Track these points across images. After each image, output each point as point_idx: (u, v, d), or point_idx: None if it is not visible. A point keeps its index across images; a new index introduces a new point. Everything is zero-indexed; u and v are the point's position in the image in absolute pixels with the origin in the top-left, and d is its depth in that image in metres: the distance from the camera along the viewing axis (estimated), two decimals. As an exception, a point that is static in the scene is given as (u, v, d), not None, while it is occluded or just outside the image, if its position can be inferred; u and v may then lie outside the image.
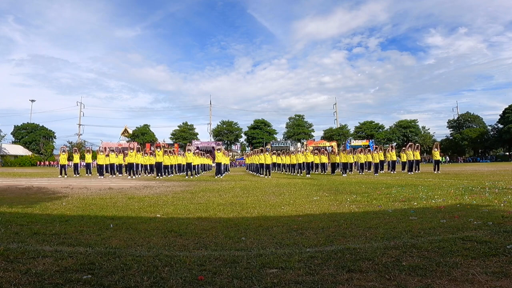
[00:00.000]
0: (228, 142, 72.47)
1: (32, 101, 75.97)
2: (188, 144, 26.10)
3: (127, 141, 68.15)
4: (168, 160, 18.15)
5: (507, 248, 2.78)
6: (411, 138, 68.58)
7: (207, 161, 25.88)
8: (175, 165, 20.22)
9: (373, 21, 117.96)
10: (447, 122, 72.30)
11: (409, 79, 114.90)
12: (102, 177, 17.21)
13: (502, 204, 5.26)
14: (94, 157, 23.39)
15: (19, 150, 62.24)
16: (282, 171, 24.16)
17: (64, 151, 19.52)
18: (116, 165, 19.43)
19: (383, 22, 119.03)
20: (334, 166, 21.58)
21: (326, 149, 29.79)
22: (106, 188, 9.77)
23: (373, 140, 65.52)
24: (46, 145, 63.87)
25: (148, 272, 2.38)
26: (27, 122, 70.27)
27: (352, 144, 63.32)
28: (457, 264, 2.45)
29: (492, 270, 2.31)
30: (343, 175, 17.48)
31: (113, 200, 6.76)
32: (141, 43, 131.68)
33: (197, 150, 22.33)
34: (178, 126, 73.25)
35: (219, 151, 18.47)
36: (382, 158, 19.99)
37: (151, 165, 20.03)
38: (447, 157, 56.68)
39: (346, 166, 18.72)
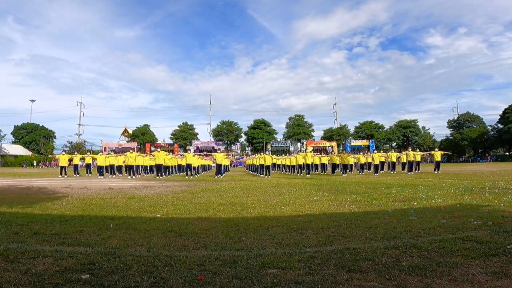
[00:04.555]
0: (228, 142, 72.44)
1: (32, 101, 76.06)
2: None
3: (127, 141, 68.14)
4: (168, 161, 18.16)
5: (507, 248, 2.78)
6: (411, 138, 68.58)
7: (207, 161, 25.88)
8: (175, 165, 20.22)
9: (373, 21, 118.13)
10: (447, 122, 72.37)
11: (409, 79, 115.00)
12: (102, 177, 17.20)
13: (502, 204, 5.26)
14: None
15: (19, 150, 62.24)
16: (282, 171, 24.16)
17: (64, 151, 19.52)
18: (116, 165, 19.42)
19: (383, 22, 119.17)
20: (334, 166, 21.59)
21: (326, 150, 29.82)
22: (106, 188, 9.77)
23: (373, 140, 65.43)
24: (46, 145, 63.88)
25: (148, 272, 2.38)
26: (27, 122, 70.33)
27: (352, 144, 63.29)
28: (457, 264, 2.45)
29: (492, 270, 2.31)
30: (343, 175, 17.48)
31: (113, 200, 6.76)
32: (141, 43, 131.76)
33: (200, 154, 22.35)
34: (178, 126, 73.33)
35: (218, 151, 18.54)
36: (383, 159, 19.99)
37: (151, 166, 20.02)
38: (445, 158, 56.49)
39: (346, 166, 18.71)
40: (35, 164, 51.75)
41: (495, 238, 3.16)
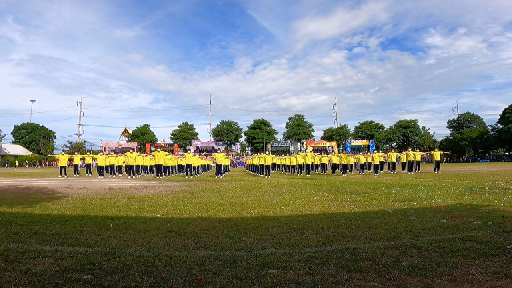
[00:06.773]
0: (228, 142, 72.41)
1: (32, 101, 76.05)
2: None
3: (127, 141, 68.13)
4: (168, 161, 18.15)
5: (507, 248, 2.78)
6: (411, 138, 68.53)
7: (207, 161, 25.87)
8: (175, 165, 20.21)
9: (373, 21, 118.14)
10: (447, 122, 72.36)
11: (409, 79, 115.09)
12: (102, 177, 17.20)
13: (502, 204, 5.26)
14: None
15: (19, 150, 62.22)
16: (282, 171, 24.17)
17: (64, 151, 19.50)
18: (116, 165, 19.42)
19: (383, 22, 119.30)
20: (334, 166, 21.59)
21: (326, 150, 29.85)
22: (106, 188, 9.77)
23: (373, 140, 65.38)
24: (46, 145, 63.86)
25: (148, 272, 2.38)
26: (27, 122, 70.31)
27: (352, 144, 63.27)
28: (457, 264, 2.45)
29: (492, 270, 2.31)
30: (343, 175, 17.48)
31: (113, 200, 6.76)
32: (141, 43, 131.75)
33: (200, 154, 22.35)
34: (178, 126, 73.24)
35: (218, 151, 18.54)
36: (382, 160, 19.98)
37: (151, 166, 20.02)
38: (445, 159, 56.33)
39: (346, 166, 18.72)
40: (17, 164, 51.22)
41: (495, 238, 3.16)
